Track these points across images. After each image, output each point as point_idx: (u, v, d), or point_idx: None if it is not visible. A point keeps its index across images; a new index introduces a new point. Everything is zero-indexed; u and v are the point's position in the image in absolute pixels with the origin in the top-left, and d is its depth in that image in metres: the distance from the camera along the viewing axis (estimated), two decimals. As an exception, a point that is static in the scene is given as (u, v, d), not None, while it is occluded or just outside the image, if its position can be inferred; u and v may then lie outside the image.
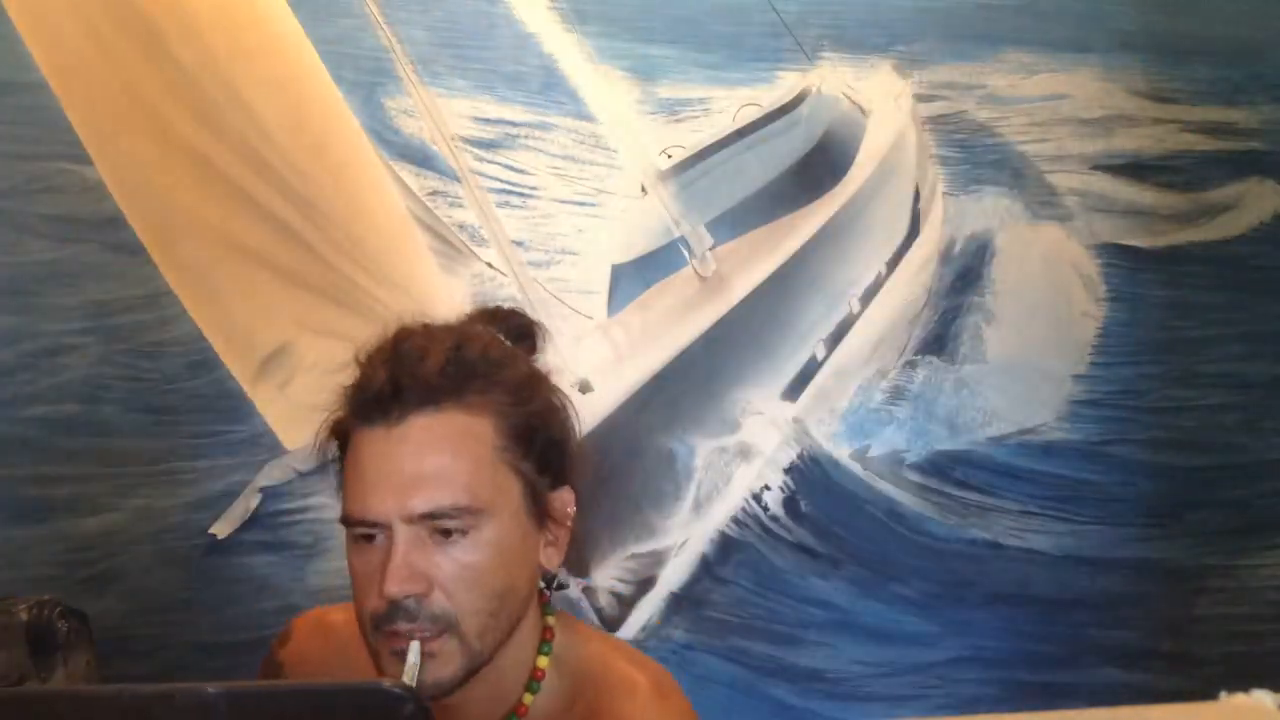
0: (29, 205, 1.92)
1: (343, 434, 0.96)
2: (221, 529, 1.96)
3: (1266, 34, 2.12)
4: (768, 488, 2.14)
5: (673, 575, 2.11)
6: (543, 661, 1.00)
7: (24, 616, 1.19)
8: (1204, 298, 2.17)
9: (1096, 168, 2.14)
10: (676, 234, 2.08)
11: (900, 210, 2.17)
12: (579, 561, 2.07)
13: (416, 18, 1.97)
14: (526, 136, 2.03)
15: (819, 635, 2.14)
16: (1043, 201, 2.14)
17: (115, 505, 1.96)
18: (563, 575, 2.06)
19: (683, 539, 2.11)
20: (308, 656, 1.11)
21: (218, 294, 1.96)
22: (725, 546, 2.12)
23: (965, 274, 2.17)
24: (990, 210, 2.15)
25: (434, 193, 2.01)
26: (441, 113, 1.99)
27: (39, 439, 1.94)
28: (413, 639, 0.89)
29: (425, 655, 0.89)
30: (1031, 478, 2.17)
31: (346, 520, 0.94)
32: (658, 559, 2.11)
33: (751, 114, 2.08)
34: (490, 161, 2.02)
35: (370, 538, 0.92)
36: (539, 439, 0.97)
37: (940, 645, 2.16)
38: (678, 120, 2.06)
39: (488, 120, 2.02)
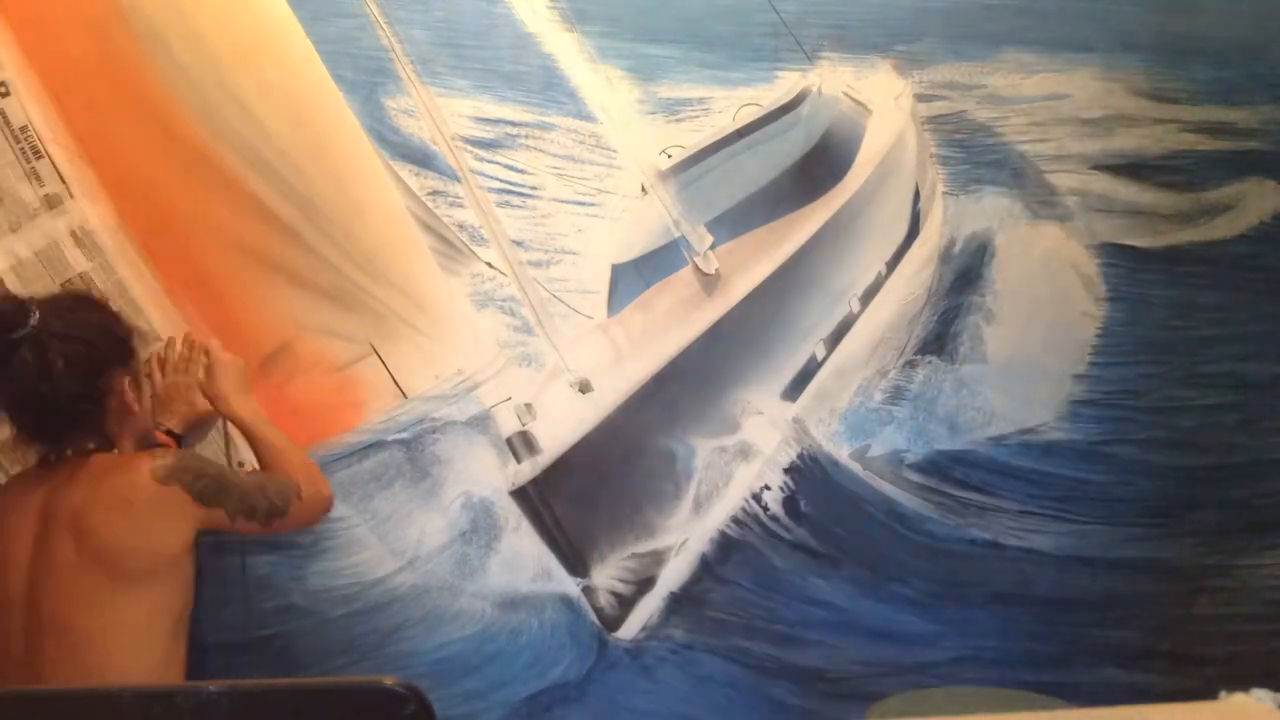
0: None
1: None
2: None
3: (1266, 34, 2.12)
4: (768, 488, 2.13)
5: (673, 575, 2.11)
6: None
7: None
8: (1204, 298, 2.17)
9: (1096, 168, 2.13)
10: (676, 234, 2.08)
11: (900, 210, 2.17)
12: (579, 561, 2.07)
13: (416, 18, 1.97)
14: (526, 136, 2.03)
15: (819, 635, 2.14)
16: (1043, 201, 2.14)
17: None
18: (556, 569, 2.07)
19: (683, 539, 2.11)
20: None
21: (218, 294, 1.96)
22: (725, 546, 2.12)
23: (965, 274, 2.17)
24: (990, 210, 2.15)
25: (434, 193, 2.01)
26: (441, 113, 1.99)
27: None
28: None
29: None
30: (1031, 478, 2.16)
31: None
32: (658, 559, 2.11)
33: (751, 114, 2.08)
34: (490, 161, 2.02)
35: None
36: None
37: (940, 645, 2.17)
38: (678, 120, 2.06)
39: (488, 120, 2.01)
